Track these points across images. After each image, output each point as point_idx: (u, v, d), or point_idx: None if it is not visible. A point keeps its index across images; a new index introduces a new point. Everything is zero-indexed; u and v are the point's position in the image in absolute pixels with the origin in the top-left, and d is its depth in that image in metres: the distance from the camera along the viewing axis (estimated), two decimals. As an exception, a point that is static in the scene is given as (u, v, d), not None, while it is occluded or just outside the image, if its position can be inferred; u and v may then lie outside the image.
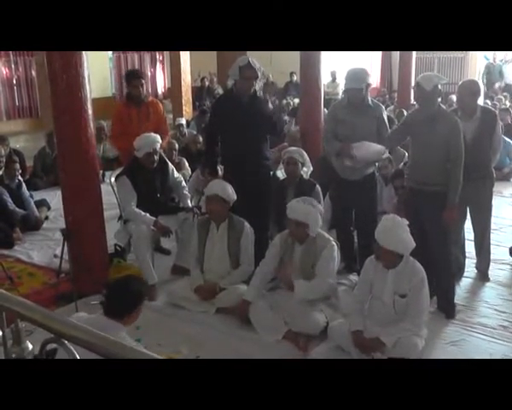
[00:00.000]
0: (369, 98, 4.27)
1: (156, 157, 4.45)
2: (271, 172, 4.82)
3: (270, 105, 4.56)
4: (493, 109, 4.84)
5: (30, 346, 1.65)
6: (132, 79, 5.11)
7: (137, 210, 4.36)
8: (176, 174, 4.75)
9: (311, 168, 4.96)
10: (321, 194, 4.78)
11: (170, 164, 4.74)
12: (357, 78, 4.14)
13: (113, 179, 4.90)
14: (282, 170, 4.95)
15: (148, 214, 4.36)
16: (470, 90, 4.28)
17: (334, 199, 4.68)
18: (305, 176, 4.79)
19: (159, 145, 4.48)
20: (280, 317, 3.73)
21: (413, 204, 3.99)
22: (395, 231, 3.31)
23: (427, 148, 3.82)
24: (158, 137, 4.49)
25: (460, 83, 4.47)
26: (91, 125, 4.13)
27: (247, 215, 4.21)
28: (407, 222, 3.38)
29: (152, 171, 4.47)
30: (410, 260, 3.41)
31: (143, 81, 5.14)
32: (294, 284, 3.65)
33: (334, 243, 3.78)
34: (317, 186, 4.76)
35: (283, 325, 3.68)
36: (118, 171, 4.77)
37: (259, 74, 4.22)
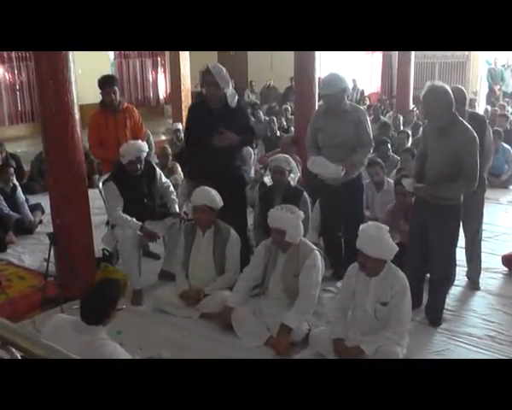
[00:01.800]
0: (348, 103, 4.25)
1: (140, 166, 4.42)
2: (247, 179, 4.75)
3: (252, 117, 4.52)
4: (482, 115, 4.77)
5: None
6: (105, 85, 4.96)
7: (124, 215, 4.36)
8: (164, 179, 4.74)
9: (299, 174, 4.93)
10: (308, 201, 4.77)
11: (157, 169, 4.74)
12: (331, 83, 4.13)
13: (100, 184, 4.90)
14: (270, 176, 4.93)
15: (134, 219, 4.36)
16: (457, 97, 4.21)
17: (322, 205, 4.67)
18: (292, 183, 4.77)
19: (144, 154, 4.45)
20: (262, 323, 3.72)
21: (421, 214, 3.91)
22: (378, 237, 3.28)
23: (437, 160, 3.71)
24: (144, 146, 4.47)
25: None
26: (78, 130, 4.14)
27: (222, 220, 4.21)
28: (387, 228, 3.36)
29: (139, 176, 4.46)
30: (392, 268, 3.39)
31: (116, 88, 4.99)
32: (286, 322, 3.55)
33: (317, 251, 3.75)
34: (305, 193, 4.74)
35: (265, 332, 3.67)
36: (105, 176, 4.77)
37: (220, 82, 4.12)
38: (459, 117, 3.68)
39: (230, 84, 4.30)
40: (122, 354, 2.78)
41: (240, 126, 4.28)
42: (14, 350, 1.49)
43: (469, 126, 3.67)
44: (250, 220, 5.20)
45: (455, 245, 3.96)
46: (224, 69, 4.21)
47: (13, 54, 11.49)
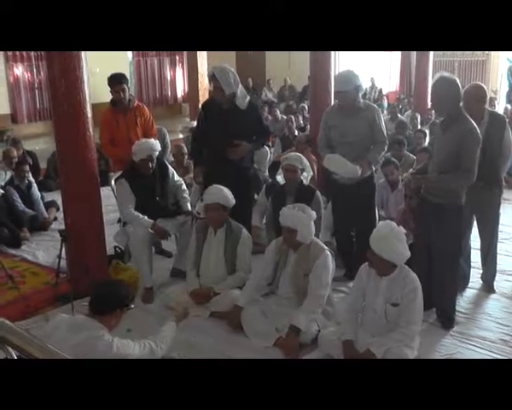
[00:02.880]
0: (361, 100, 4.20)
1: (152, 164, 4.42)
2: (257, 179, 4.74)
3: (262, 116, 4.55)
4: (502, 114, 4.67)
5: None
6: (113, 84, 4.95)
7: (135, 212, 4.37)
8: (176, 178, 4.73)
9: (312, 173, 4.90)
10: (321, 200, 4.73)
11: (170, 167, 4.73)
12: (345, 80, 4.08)
13: (113, 182, 4.92)
14: (282, 175, 4.90)
15: (146, 217, 4.36)
16: (476, 95, 4.15)
17: (335, 205, 4.62)
18: (305, 181, 4.73)
19: (156, 153, 4.44)
20: (271, 323, 3.70)
21: (424, 215, 3.86)
22: (391, 239, 3.21)
23: (440, 154, 3.68)
24: (156, 145, 4.46)
25: (465, 88, 4.33)
26: (90, 128, 4.15)
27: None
28: (404, 231, 3.30)
29: (151, 174, 4.46)
30: (403, 269, 3.33)
31: (125, 86, 4.98)
32: (294, 323, 3.53)
33: (328, 252, 3.72)
34: (317, 192, 4.70)
35: (274, 332, 3.65)
36: (118, 173, 4.79)
37: (224, 87, 4.18)
38: (465, 113, 3.63)
39: (239, 85, 4.32)
40: (120, 349, 2.76)
41: (251, 127, 4.32)
42: (10, 349, 1.48)
43: (472, 121, 3.60)
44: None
45: (459, 245, 3.87)
46: (231, 72, 4.24)
47: (32, 53, 11.63)
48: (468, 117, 3.62)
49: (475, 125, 3.60)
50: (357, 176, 4.12)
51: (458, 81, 3.64)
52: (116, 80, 4.98)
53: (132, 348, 2.87)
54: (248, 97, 4.38)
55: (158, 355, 3.04)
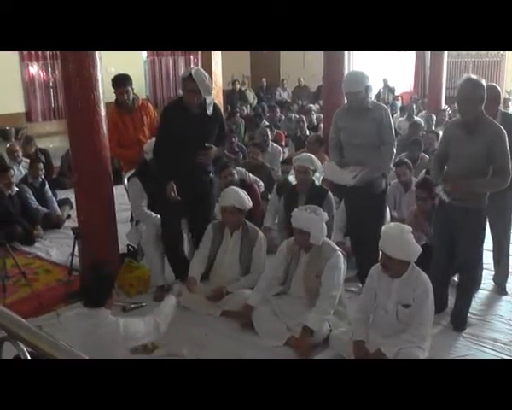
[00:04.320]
0: (371, 101, 4.16)
1: None
2: (270, 178, 4.67)
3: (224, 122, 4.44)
4: (515, 115, 4.63)
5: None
6: (117, 85, 4.95)
7: (147, 211, 4.40)
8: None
9: (324, 173, 4.88)
10: (333, 200, 4.71)
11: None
12: (354, 81, 4.05)
13: (125, 181, 4.95)
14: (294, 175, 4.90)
15: (158, 215, 4.38)
16: (490, 95, 4.12)
17: (347, 205, 4.61)
18: (317, 182, 4.72)
19: None
20: (282, 323, 3.71)
21: (445, 218, 3.82)
22: (403, 238, 3.22)
23: (464, 158, 3.61)
24: None
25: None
26: (104, 126, 4.19)
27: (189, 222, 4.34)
28: (410, 229, 3.29)
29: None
30: (415, 270, 3.33)
31: (129, 88, 4.97)
32: (307, 324, 3.54)
33: (340, 252, 3.72)
34: (329, 193, 4.69)
35: (286, 331, 3.66)
36: (130, 173, 4.82)
37: (202, 90, 3.94)
38: (485, 114, 3.59)
39: (212, 91, 4.12)
40: (128, 327, 2.82)
41: (216, 132, 4.23)
42: (21, 345, 1.49)
43: (495, 122, 3.59)
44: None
45: (479, 247, 3.87)
46: (207, 76, 4.05)
47: (47, 52, 11.71)
48: (490, 118, 3.59)
49: (499, 124, 3.58)
50: (349, 185, 4.10)
51: (484, 83, 3.58)
52: (120, 82, 4.96)
53: (138, 326, 2.91)
54: (213, 103, 4.19)
55: (162, 330, 3.09)
